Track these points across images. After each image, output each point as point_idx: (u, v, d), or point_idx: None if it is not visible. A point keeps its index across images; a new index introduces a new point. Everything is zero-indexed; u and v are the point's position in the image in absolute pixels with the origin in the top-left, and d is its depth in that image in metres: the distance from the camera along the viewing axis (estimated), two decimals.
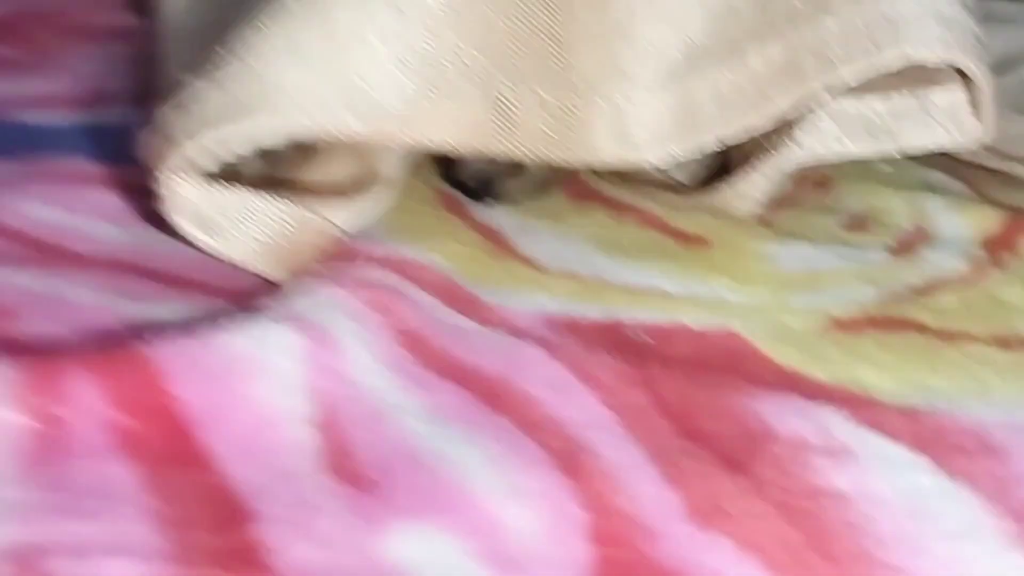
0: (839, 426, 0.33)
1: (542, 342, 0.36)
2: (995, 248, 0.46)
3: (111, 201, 0.43)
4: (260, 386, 0.31)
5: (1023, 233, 0.46)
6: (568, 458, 0.30)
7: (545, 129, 0.40)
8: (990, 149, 0.53)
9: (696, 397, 0.34)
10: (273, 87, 0.36)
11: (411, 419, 0.32)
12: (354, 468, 0.30)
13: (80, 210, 0.42)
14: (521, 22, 0.40)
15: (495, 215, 0.46)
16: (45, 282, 0.37)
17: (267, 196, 0.38)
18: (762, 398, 0.34)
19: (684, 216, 0.47)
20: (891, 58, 0.39)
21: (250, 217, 0.38)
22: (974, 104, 0.40)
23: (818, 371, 0.36)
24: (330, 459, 0.30)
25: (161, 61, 0.50)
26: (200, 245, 0.36)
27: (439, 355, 0.35)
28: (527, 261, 0.43)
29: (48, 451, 0.29)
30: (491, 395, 0.33)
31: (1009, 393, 0.36)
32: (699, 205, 0.46)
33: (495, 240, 0.44)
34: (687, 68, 0.41)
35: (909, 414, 0.34)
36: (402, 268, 0.40)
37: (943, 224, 0.47)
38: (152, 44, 0.53)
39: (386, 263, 0.40)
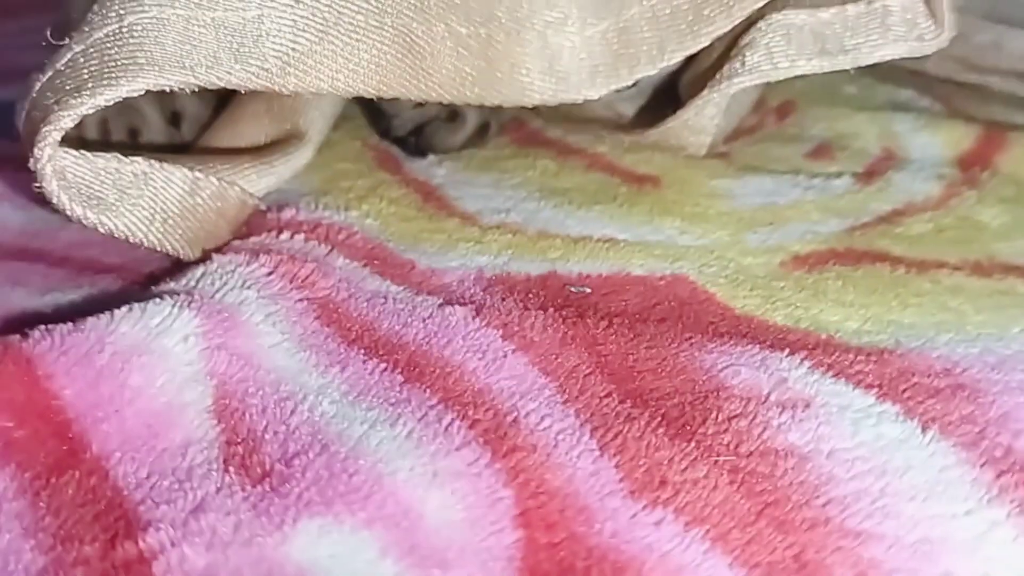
0: (797, 375, 0.30)
1: (472, 305, 0.33)
2: (969, 166, 0.43)
3: (6, 180, 0.40)
4: (154, 378, 0.28)
5: (999, 149, 0.43)
6: (495, 434, 0.27)
7: (463, 67, 0.37)
8: (961, 61, 0.50)
9: (640, 354, 0.31)
10: (149, 43, 0.32)
11: (324, 402, 0.29)
12: (257, 461, 0.27)
13: None
14: None
15: (431, 168, 0.43)
16: None
17: (166, 165, 0.35)
18: (713, 350, 0.31)
19: (634, 156, 0.44)
20: None
21: (147, 188, 0.34)
22: (929, 5, 0.37)
23: (776, 315, 0.33)
24: (231, 452, 0.27)
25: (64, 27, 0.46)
26: (88, 224, 0.33)
27: (360, 328, 0.32)
28: (463, 216, 0.40)
29: None
30: (414, 368, 0.30)
31: (987, 325, 0.33)
32: (650, 142, 0.43)
33: (430, 196, 0.41)
34: None
35: (875, 355, 0.31)
36: (327, 235, 0.37)
37: (913, 145, 0.44)
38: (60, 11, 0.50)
39: (309, 230, 0.37)
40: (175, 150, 0.41)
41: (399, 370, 0.30)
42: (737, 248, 0.37)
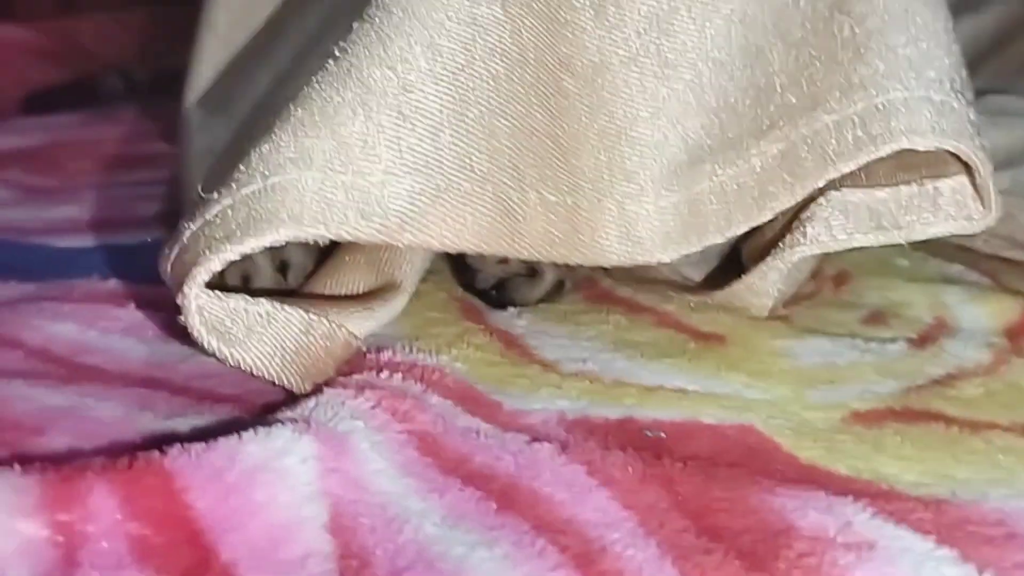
0: (862, 520, 0.32)
1: (557, 443, 0.36)
2: (1016, 336, 0.46)
3: (131, 317, 0.44)
4: (277, 495, 0.32)
5: None
6: (585, 559, 0.30)
7: (551, 230, 0.41)
8: (1007, 239, 0.53)
9: (714, 494, 0.34)
10: (289, 200, 0.37)
11: (427, 524, 0.32)
12: (370, 574, 0.30)
13: (101, 327, 0.43)
14: (521, 125, 0.41)
15: (512, 319, 0.47)
16: (69, 398, 0.38)
17: (286, 306, 0.39)
18: (782, 493, 0.34)
19: (700, 315, 0.47)
20: (886, 149, 0.39)
21: (270, 327, 0.38)
22: (976, 188, 0.41)
23: (839, 465, 0.36)
24: (345, 566, 0.30)
25: (183, 182, 0.52)
26: (221, 356, 0.37)
27: (455, 459, 0.35)
28: (544, 363, 0.43)
29: (68, 564, 0.29)
30: (507, 498, 0.33)
31: None
32: (715, 303, 0.47)
33: (512, 344, 0.45)
34: (689, 166, 0.41)
35: (933, 505, 0.33)
36: (421, 375, 0.40)
37: (963, 315, 0.47)
38: (176, 168, 0.56)
39: (406, 370, 0.40)
40: (281, 295, 0.46)
41: (493, 498, 0.33)
42: (800, 403, 0.40)
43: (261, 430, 0.33)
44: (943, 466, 0.36)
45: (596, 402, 0.40)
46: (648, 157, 0.41)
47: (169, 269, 0.38)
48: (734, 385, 0.41)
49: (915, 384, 0.42)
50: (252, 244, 0.36)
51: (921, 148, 0.39)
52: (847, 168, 0.40)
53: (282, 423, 0.34)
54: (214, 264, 0.36)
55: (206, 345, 0.37)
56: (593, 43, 0.41)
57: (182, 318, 0.37)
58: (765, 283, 0.44)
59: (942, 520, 0.33)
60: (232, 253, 0.36)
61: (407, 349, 0.42)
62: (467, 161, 0.39)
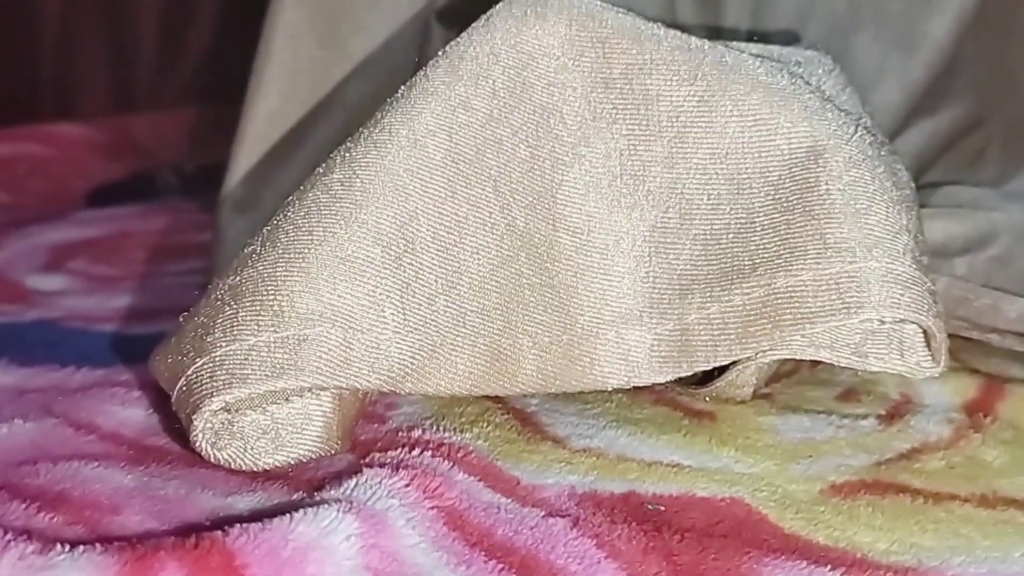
0: None
1: (570, 517, 0.37)
2: (974, 412, 0.47)
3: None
4: (325, 569, 0.33)
5: (999, 398, 0.48)
6: None
7: (545, 367, 0.43)
8: (965, 320, 0.55)
9: (709, 564, 0.35)
10: (317, 352, 0.40)
11: None
12: None
13: (164, 411, 0.45)
14: (513, 283, 0.43)
15: (526, 399, 0.49)
16: (139, 478, 0.40)
17: (313, 397, 0.41)
18: (769, 563, 0.35)
19: (691, 394, 0.49)
20: (858, 317, 0.41)
21: (308, 420, 0.41)
22: (930, 347, 0.42)
23: (819, 535, 0.38)
24: None
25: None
26: (269, 465, 0.40)
27: (479, 533, 0.37)
28: (555, 440, 0.45)
29: None
30: (526, 569, 0.35)
31: (992, 550, 0.37)
32: (701, 396, 0.48)
33: (526, 422, 0.46)
34: (680, 297, 0.43)
35: (901, 572, 0.35)
36: (448, 453, 0.42)
37: (926, 392, 0.49)
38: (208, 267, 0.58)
39: (435, 448, 0.42)
40: None
41: (514, 570, 0.35)
42: (784, 476, 0.42)
43: (310, 511, 0.35)
44: (910, 535, 0.38)
45: (602, 477, 0.41)
46: (640, 293, 0.43)
47: (183, 405, 0.41)
48: (724, 460, 0.43)
49: (884, 458, 0.43)
50: (271, 386, 0.39)
51: (888, 319, 0.41)
52: (822, 327, 0.41)
53: (328, 503, 0.36)
54: (229, 399, 0.39)
55: (251, 466, 0.40)
56: (589, 204, 0.43)
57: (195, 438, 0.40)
58: (745, 377, 0.46)
59: None
60: (244, 393, 0.39)
61: (435, 428, 0.44)
62: (460, 319, 0.42)
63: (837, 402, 0.48)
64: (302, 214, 0.42)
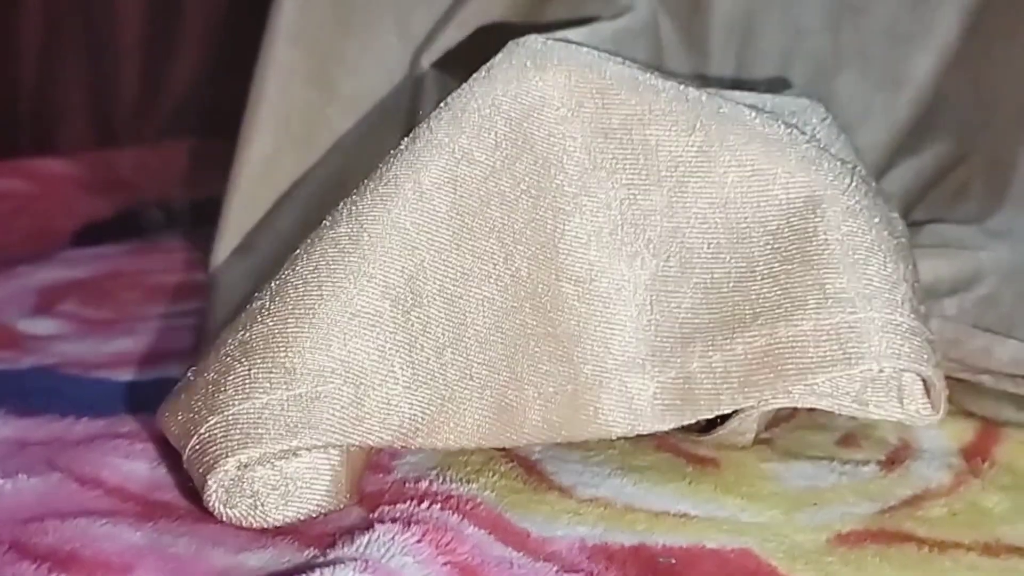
0: None
1: (582, 572, 0.38)
2: (972, 456, 0.48)
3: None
4: None
5: (995, 442, 0.49)
6: None
7: (550, 417, 0.43)
8: (958, 362, 0.56)
9: None
10: (322, 410, 0.40)
11: None
12: None
13: (168, 464, 0.45)
14: (518, 333, 0.43)
15: (530, 446, 0.49)
16: (148, 535, 0.40)
17: (321, 451, 0.41)
18: None
19: (693, 440, 0.49)
20: (859, 368, 0.41)
21: (317, 474, 0.41)
22: (928, 395, 0.43)
23: None
24: None
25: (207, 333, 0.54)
26: (280, 521, 0.40)
27: None
28: (561, 489, 0.45)
29: None
30: None
31: None
32: (703, 441, 0.49)
33: (531, 470, 0.47)
34: (682, 345, 0.43)
35: None
36: (457, 505, 0.42)
37: (924, 437, 0.50)
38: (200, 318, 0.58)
39: (443, 500, 0.42)
40: None
41: None
42: (790, 525, 0.42)
43: (327, 570, 0.35)
44: None
45: (611, 528, 0.42)
46: (643, 342, 0.44)
47: (195, 464, 0.41)
48: (731, 509, 0.44)
49: (888, 505, 0.44)
50: (284, 446, 0.40)
51: (888, 370, 0.42)
52: (823, 377, 0.42)
53: (344, 562, 0.36)
54: (243, 458, 0.39)
55: (264, 522, 0.40)
56: (591, 253, 0.44)
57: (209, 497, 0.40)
58: (747, 424, 0.46)
59: None
60: (257, 453, 0.39)
61: (441, 479, 0.44)
62: (467, 372, 0.43)
63: (838, 447, 0.49)
64: (310, 268, 0.42)
